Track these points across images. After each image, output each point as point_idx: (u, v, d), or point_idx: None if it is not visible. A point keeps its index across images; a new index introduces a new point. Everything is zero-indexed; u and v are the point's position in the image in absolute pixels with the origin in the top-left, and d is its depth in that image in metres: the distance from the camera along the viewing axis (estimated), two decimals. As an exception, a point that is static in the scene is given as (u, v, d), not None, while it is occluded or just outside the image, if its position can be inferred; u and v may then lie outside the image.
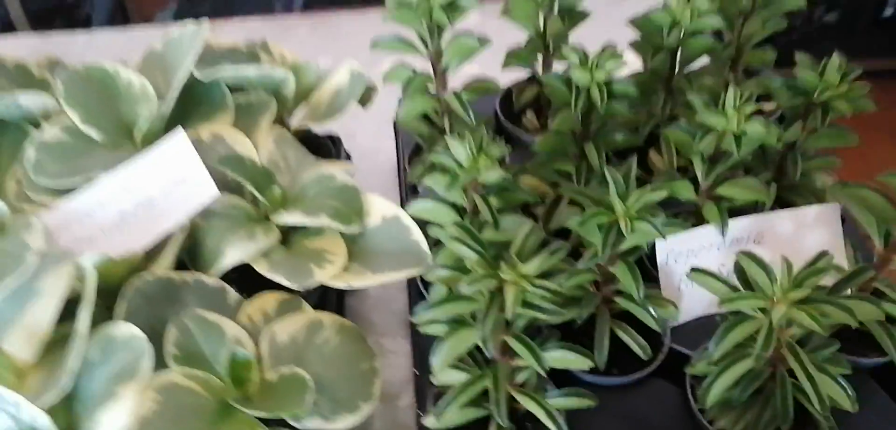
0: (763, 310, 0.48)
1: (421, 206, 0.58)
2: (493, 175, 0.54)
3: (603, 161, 0.63)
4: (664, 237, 0.50)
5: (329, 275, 0.54)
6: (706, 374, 0.53)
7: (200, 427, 0.45)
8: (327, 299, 0.61)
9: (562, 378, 0.57)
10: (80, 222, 0.53)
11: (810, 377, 0.47)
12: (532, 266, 0.44)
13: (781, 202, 0.69)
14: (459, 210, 0.58)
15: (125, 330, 0.46)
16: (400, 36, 0.65)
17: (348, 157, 0.77)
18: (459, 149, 0.54)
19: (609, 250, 0.50)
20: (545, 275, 0.46)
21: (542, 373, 0.47)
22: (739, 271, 0.50)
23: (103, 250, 0.51)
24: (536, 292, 0.44)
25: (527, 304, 0.45)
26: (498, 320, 0.44)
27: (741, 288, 0.50)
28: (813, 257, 0.49)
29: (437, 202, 0.58)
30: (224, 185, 0.58)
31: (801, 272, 0.47)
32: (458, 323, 0.47)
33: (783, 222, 0.59)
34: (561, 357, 0.51)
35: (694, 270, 0.52)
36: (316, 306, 0.61)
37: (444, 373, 0.54)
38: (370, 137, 0.87)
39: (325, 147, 0.73)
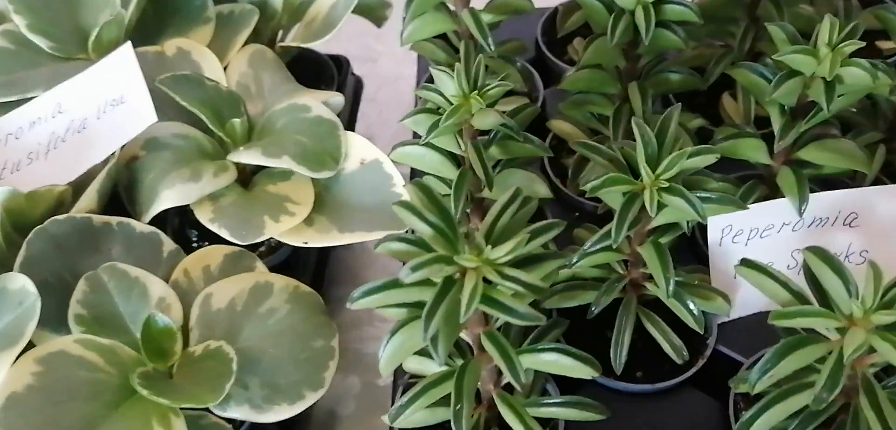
0: (839, 330, 0.34)
1: (408, 151, 0.47)
2: (487, 120, 0.42)
3: (648, 107, 0.49)
4: (703, 218, 0.37)
5: (283, 229, 0.45)
6: (757, 393, 0.40)
7: (86, 412, 0.36)
8: (304, 250, 0.52)
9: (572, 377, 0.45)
10: (5, 145, 0.46)
11: (885, 426, 0.34)
12: (503, 250, 0.32)
13: (892, 173, 0.53)
14: (458, 159, 0.47)
15: (17, 282, 0.38)
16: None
17: (358, 82, 0.66)
18: (447, 83, 0.42)
19: (625, 229, 0.38)
20: (524, 262, 0.34)
21: (517, 382, 0.36)
22: (808, 273, 0.36)
23: (27, 180, 0.43)
24: (506, 286, 0.33)
25: (491, 301, 0.33)
26: (452, 316, 0.33)
27: (809, 297, 0.36)
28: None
29: (428, 148, 0.46)
30: (183, 112, 0.49)
31: (892, 285, 0.33)
32: (414, 310, 0.37)
33: (889, 200, 0.44)
34: (554, 362, 0.39)
35: (745, 262, 0.38)
36: (289, 259, 0.52)
37: (414, 362, 0.44)
38: (394, 62, 0.76)
39: (326, 70, 0.62)
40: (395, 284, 0.34)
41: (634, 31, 0.47)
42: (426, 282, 0.35)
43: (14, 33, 0.52)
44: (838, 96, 0.41)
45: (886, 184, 0.53)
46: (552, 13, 0.68)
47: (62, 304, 0.41)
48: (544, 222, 0.35)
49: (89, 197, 0.44)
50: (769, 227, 0.44)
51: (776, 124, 0.45)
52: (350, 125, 0.64)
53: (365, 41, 0.76)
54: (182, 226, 0.52)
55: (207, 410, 0.40)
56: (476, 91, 0.41)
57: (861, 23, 0.43)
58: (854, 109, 0.52)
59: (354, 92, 0.65)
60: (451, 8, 0.54)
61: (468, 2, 0.54)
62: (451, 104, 0.42)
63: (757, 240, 0.44)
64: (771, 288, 0.37)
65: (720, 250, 0.45)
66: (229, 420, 0.41)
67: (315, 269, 0.54)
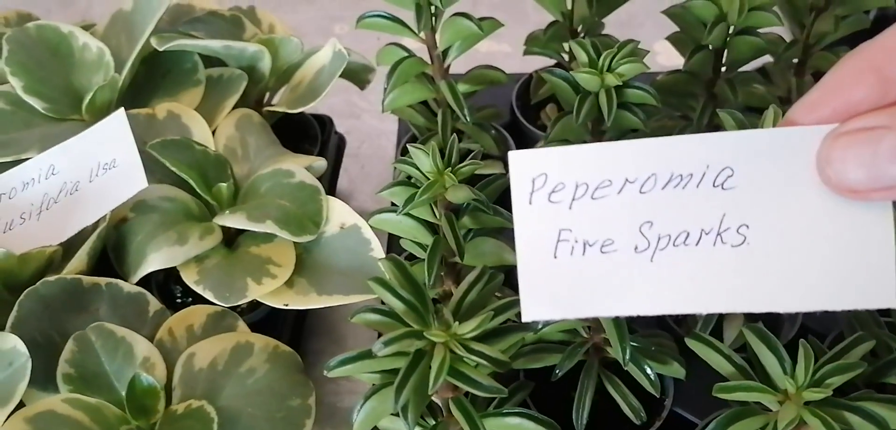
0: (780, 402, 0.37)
1: (386, 218, 0.50)
2: (459, 195, 0.45)
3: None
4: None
5: (265, 292, 0.47)
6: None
7: (73, 470, 0.38)
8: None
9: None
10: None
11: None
12: (469, 327, 0.35)
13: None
14: (431, 225, 0.50)
15: (8, 343, 0.40)
16: (388, 13, 0.56)
17: (341, 140, 0.69)
18: (422, 159, 0.45)
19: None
20: (490, 335, 0.37)
21: (484, 449, 0.39)
22: (749, 349, 0.39)
23: (18, 240, 0.45)
24: (471, 359, 0.35)
25: (458, 373, 0.36)
26: (422, 386, 0.36)
27: (750, 370, 0.39)
28: (848, 341, 0.38)
29: (405, 216, 0.49)
30: (172, 173, 0.51)
31: (824, 363, 0.36)
32: (387, 377, 0.39)
33: (780, 148, 0.30)
34: (518, 425, 0.42)
35: (693, 336, 0.41)
36: (270, 315, 0.54)
37: (386, 422, 0.46)
38: (377, 118, 0.79)
39: (310, 130, 0.65)
40: (369, 354, 0.37)
41: (598, 110, 0.50)
42: (398, 353, 0.37)
43: (9, 95, 0.54)
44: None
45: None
46: (527, 80, 0.71)
47: (50, 362, 0.43)
48: (507, 299, 0.38)
49: (80, 259, 0.46)
50: (604, 184, 0.31)
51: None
52: (332, 180, 0.66)
53: (348, 98, 0.79)
54: (167, 281, 0.55)
55: (188, 465, 0.42)
56: (449, 168, 0.44)
57: None
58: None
59: (337, 148, 0.68)
60: (431, 76, 0.58)
61: (446, 73, 0.58)
62: (427, 179, 0.45)
63: (586, 201, 0.31)
64: (717, 361, 0.40)
65: (530, 216, 0.31)
66: (208, 478, 0.43)
67: (294, 324, 0.56)
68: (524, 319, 0.33)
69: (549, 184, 0.31)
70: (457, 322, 0.35)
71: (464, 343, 0.35)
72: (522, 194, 0.31)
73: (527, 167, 0.31)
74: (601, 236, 0.31)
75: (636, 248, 0.31)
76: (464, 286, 0.38)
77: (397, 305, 0.36)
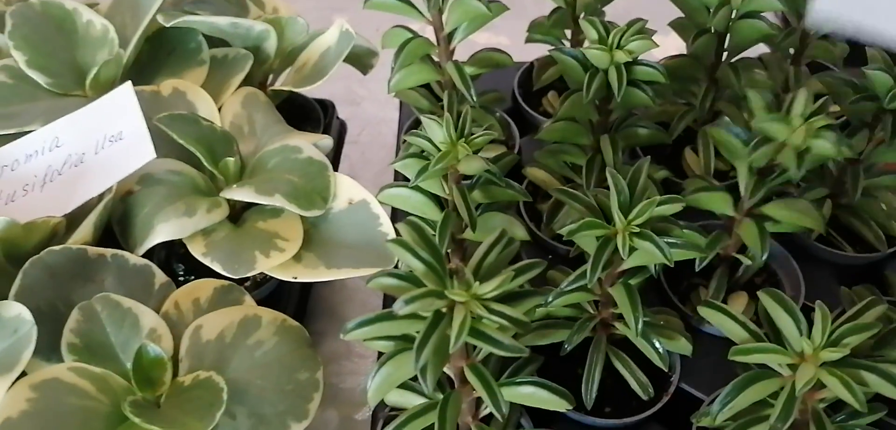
0: (791, 366, 0.37)
1: (395, 193, 0.49)
2: (472, 165, 0.45)
3: (618, 158, 0.53)
4: (669, 262, 0.40)
5: (273, 264, 0.47)
6: (716, 428, 0.43)
7: (81, 437, 0.38)
8: (288, 285, 0.53)
9: (545, 412, 0.47)
10: (0, 176, 0.47)
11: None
12: (489, 286, 0.35)
13: (837, 224, 0.57)
14: (441, 202, 0.50)
15: (13, 310, 0.40)
16: (396, -7, 0.56)
17: (343, 125, 0.69)
18: (436, 130, 0.45)
19: (599, 271, 0.41)
20: (508, 298, 0.37)
21: (499, 412, 0.38)
22: (764, 313, 0.40)
23: (21, 211, 0.45)
24: (492, 320, 0.35)
25: (478, 333, 0.36)
26: (441, 348, 0.35)
27: (764, 335, 0.39)
28: (860, 305, 0.39)
29: (414, 191, 0.49)
30: (178, 149, 0.51)
31: (840, 324, 0.36)
32: (402, 343, 0.39)
33: None
34: (531, 394, 0.42)
35: (706, 304, 0.42)
36: (274, 293, 0.54)
37: (395, 395, 0.45)
38: (377, 105, 0.79)
39: (312, 113, 0.65)
40: (388, 316, 0.37)
41: (607, 88, 0.51)
42: (414, 317, 0.37)
43: (12, 69, 0.53)
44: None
45: (834, 240, 0.57)
46: (528, 68, 0.71)
47: (54, 332, 0.42)
48: (526, 262, 0.38)
49: (86, 229, 0.45)
50: None
51: (744, 181, 0.48)
52: (335, 164, 0.66)
53: (349, 85, 0.79)
54: (169, 260, 0.54)
55: (196, 437, 0.41)
56: (463, 139, 0.44)
57: (829, 98, 0.46)
58: (805, 169, 0.56)
59: (339, 134, 0.68)
60: (436, 60, 0.58)
61: (452, 55, 0.58)
62: (440, 150, 0.45)
63: None
64: (731, 328, 0.40)
65: None
66: (216, 451, 0.42)
67: (298, 304, 0.55)
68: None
69: None
70: (477, 282, 0.35)
71: (484, 303, 0.35)
72: None
73: None
74: None
75: None
76: (483, 248, 0.37)
77: (417, 265, 0.36)
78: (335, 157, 0.66)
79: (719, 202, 0.50)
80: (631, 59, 0.50)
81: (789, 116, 0.43)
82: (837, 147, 0.41)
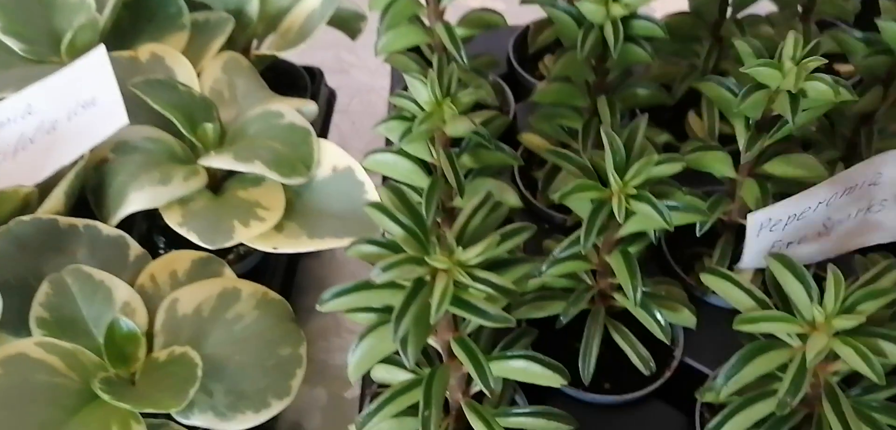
0: (801, 336, 0.35)
1: (381, 158, 0.47)
2: (459, 127, 0.43)
3: (616, 120, 0.50)
4: (669, 226, 0.38)
5: (253, 234, 0.44)
6: (721, 404, 0.40)
7: (45, 416, 0.36)
8: (274, 258, 0.51)
9: (540, 388, 0.45)
10: (-31, 146, 0.45)
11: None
12: (473, 252, 0.33)
13: (850, 190, 0.54)
14: (428, 167, 0.47)
15: (-22, 284, 0.38)
16: (382, -50, 0.53)
17: (332, 94, 0.66)
18: (420, 90, 0.43)
19: (594, 236, 0.38)
20: (495, 265, 0.35)
21: (487, 388, 0.36)
22: (772, 280, 0.37)
23: (-11, 182, 0.43)
24: (477, 288, 0.33)
25: (462, 302, 0.33)
26: (422, 319, 0.33)
27: (771, 303, 0.37)
28: (875, 270, 0.36)
29: (400, 156, 0.47)
30: (155, 116, 0.48)
31: (854, 290, 0.34)
32: (383, 315, 0.37)
33: None
34: (523, 369, 0.39)
35: (709, 271, 0.39)
36: (258, 266, 0.51)
37: (381, 371, 0.43)
38: (367, 73, 0.76)
39: (299, 80, 0.62)
40: (366, 285, 0.34)
41: (603, 45, 0.48)
42: (396, 286, 0.35)
43: (-15, 35, 0.51)
44: (802, 110, 0.42)
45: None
46: (523, 31, 0.68)
47: (23, 306, 0.40)
48: (514, 226, 0.36)
49: (56, 198, 0.43)
50: (805, 209, 0.42)
51: (741, 137, 0.46)
52: (322, 135, 0.63)
53: (338, 53, 0.77)
54: (149, 232, 0.52)
55: (170, 417, 0.39)
56: (449, 98, 0.42)
57: (823, 41, 0.44)
58: (814, 128, 0.54)
59: (327, 103, 0.65)
60: (425, 21, 0.55)
61: (442, 15, 0.55)
62: (424, 111, 0.42)
63: (795, 223, 0.42)
64: (735, 296, 0.38)
65: (759, 240, 0.42)
66: (193, 429, 0.40)
67: (284, 277, 0.53)
68: None
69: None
70: (460, 248, 0.33)
71: (468, 270, 0.33)
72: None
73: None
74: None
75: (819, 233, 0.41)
76: (467, 211, 0.35)
77: (397, 230, 0.33)
78: (323, 126, 0.64)
79: (718, 162, 0.47)
80: (628, 14, 0.47)
81: (780, 60, 0.40)
82: (835, 90, 0.39)
